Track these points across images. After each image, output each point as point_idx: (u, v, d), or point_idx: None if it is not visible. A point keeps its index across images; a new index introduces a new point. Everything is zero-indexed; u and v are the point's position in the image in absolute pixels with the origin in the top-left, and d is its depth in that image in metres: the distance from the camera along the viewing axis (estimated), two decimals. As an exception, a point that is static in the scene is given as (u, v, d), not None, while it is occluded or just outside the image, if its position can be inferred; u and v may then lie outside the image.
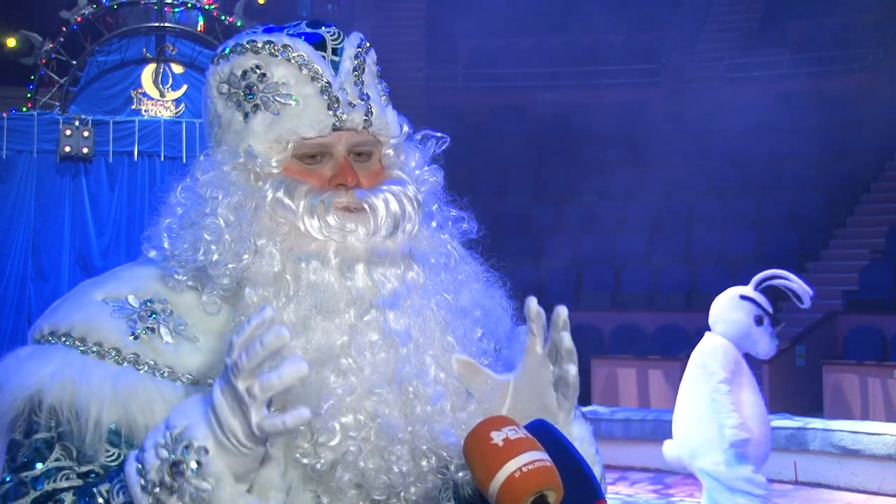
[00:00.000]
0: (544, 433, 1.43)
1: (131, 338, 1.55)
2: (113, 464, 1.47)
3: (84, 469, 1.47)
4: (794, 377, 11.78)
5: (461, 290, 1.67)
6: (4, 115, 12.94)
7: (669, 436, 6.51)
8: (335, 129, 1.61)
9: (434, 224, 1.71)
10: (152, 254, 1.65)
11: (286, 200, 1.58)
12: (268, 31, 1.66)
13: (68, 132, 12.75)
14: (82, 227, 13.03)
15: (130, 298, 1.60)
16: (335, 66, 1.63)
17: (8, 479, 1.50)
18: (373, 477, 1.49)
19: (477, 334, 1.64)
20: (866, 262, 14.60)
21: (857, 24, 18.76)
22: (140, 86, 13.40)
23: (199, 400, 1.38)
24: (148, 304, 1.60)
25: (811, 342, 12.54)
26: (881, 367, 11.45)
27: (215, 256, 1.57)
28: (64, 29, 13.39)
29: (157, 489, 1.33)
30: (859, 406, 11.17)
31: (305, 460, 1.48)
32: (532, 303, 1.56)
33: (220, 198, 1.60)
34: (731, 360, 6.19)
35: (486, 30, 20.31)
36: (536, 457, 1.35)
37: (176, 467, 1.33)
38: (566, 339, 1.53)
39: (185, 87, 13.43)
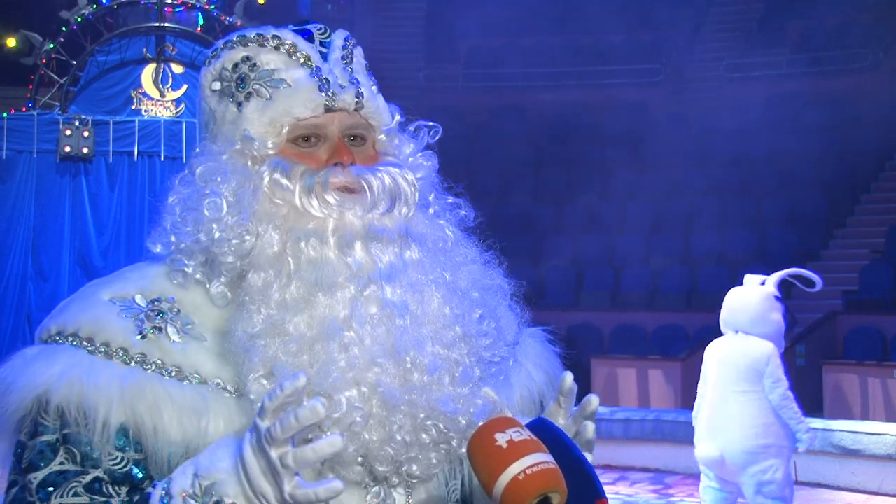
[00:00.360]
0: (545, 432, 1.43)
1: (139, 337, 1.55)
2: (117, 468, 1.47)
3: (89, 478, 1.46)
4: (794, 377, 11.72)
5: (459, 271, 1.67)
6: (4, 115, 12.95)
7: (670, 436, 6.53)
8: (328, 109, 1.63)
9: (431, 211, 1.72)
10: (158, 249, 1.66)
11: (283, 181, 1.59)
12: (256, 28, 1.69)
13: (68, 132, 12.76)
14: (82, 227, 13.03)
15: (137, 298, 1.60)
16: (324, 56, 1.66)
17: (16, 481, 1.49)
18: (376, 448, 1.49)
19: (476, 315, 1.64)
20: (866, 262, 14.61)
21: (857, 24, 18.77)
22: (140, 86, 13.40)
23: (228, 451, 1.39)
24: (155, 303, 1.60)
25: (811, 342, 12.55)
26: (881, 367, 11.46)
27: (217, 234, 1.57)
28: (64, 29, 13.40)
29: None
30: (859, 406, 11.18)
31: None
32: (568, 378, 1.58)
33: (219, 179, 1.61)
34: (781, 363, 6.27)
35: (487, 30, 20.32)
36: (541, 459, 1.35)
37: None
38: (590, 429, 1.55)
39: (185, 87, 13.43)
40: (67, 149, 12.76)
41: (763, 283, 6.45)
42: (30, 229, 12.87)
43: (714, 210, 16.42)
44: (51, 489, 1.45)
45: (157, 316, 1.58)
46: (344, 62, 1.67)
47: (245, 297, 1.55)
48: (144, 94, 13.37)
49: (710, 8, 21.49)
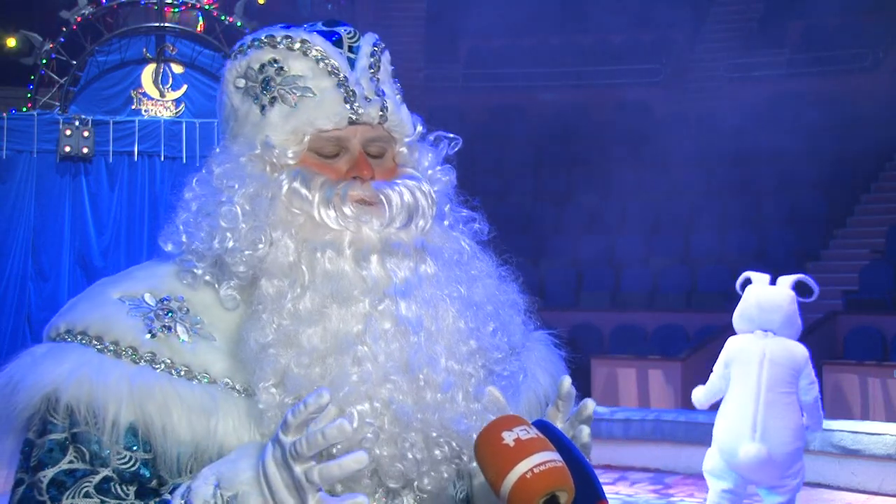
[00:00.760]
0: (547, 433, 1.43)
1: (148, 336, 1.55)
2: (125, 468, 1.47)
3: (99, 478, 1.46)
4: (794, 377, 11.77)
5: (474, 284, 1.67)
6: (4, 115, 12.94)
7: (670, 436, 6.53)
8: (351, 122, 1.62)
9: (446, 223, 1.72)
10: (169, 247, 1.65)
11: (303, 190, 1.59)
12: (285, 27, 1.67)
13: (68, 132, 12.75)
14: (82, 227, 13.03)
15: (147, 297, 1.60)
16: (352, 63, 1.65)
17: (23, 480, 1.49)
18: (387, 464, 1.49)
19: (489, 328, 1.65)
20: (866, 262, 14.61)
21: (857, 24, 18.75)
22: (140, 86, 13.40)
23: (250, 463, 1.40)
24: (164, 302, 1.60)
25: (811, 342, 12.48)
26: (881, 367, 11.46)
27: (231, 244, 1.57)
28: (64, 29, 13.39)
29: None
30: (859, 406, 11.18)
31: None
32: (566, 382, 1.58)
33: (237, 187, 1.60)
34: None
35: (487, 30, 20.30)
36: (548, 457, 1.35)
37: None
38: (584, 433, 1.55)
39: (185, 87, 13.43)
40: (67, 149, 12.75)
41: (773, 283, 6.51)
42: (30, 229, 12.86)
43: (714, 210, 16.41)
44: (61, 488, 1.45)
45: (166, 315, 1.58)
46: (371, 71, 1.66)
47: (258, 306, 1.55)
48: (144, 94, 13.36)
49: (711, 8, 21.48)
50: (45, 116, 12.97)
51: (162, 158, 13.07)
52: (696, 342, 12.65)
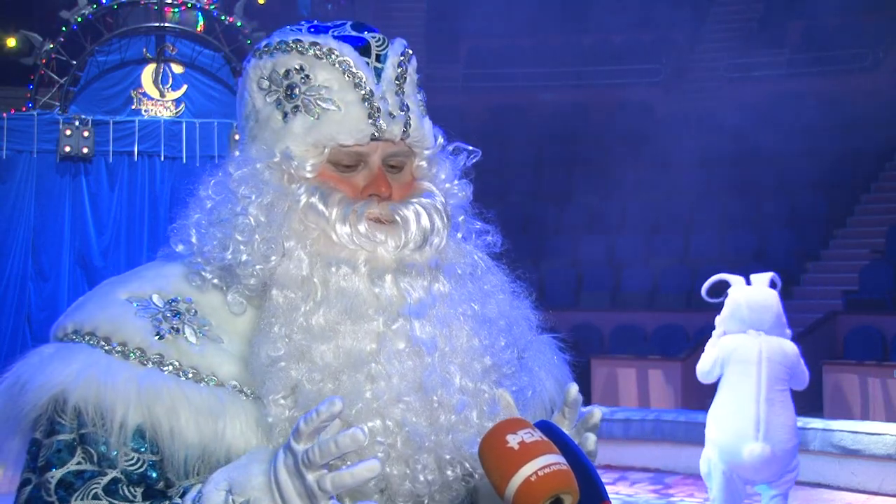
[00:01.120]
0: (550, 435, 1.43)
1: (156, 338, 1.55)
2: (132, 469, 1.47)
3: (107, 479, 1.46)
4: (794, 377, 11.77)
5: (487, 300, 1.67)
6: (4, 115, 12.94)
7: (670, 436, 6.56)
8: (373, 138, 1.61)
9: (460, 235, 1.71)
10: (179, 248, 1.64)
11: (320, 206, 1.58)
12: (313, 30, 1.65)
13: (68, 132, 12.75)
14: (82, 227, 13.02)
15: (155, 298, 1.60)
16: (378, 74, 1.63)
17: (30, 479, 1.49)
18: (397, 483, 1.49)
19: (501, 343, 1.64)
20: (866, 262, 14.60)
21: (857, 24, 18.75)
22: (140, 86, 13.39)
23: (262, 469, 1.40)
24: (172, 303, 1.59)
25: (811, 342, 12.53)
26: (881, 367, 11.45)
27: (244, 257, 1.57)
28: (64, 29, 13.38)
29: None
30: (859, 406, 11.17)
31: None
32: (573, 389, 1.58)
33: (253, 197, 1.59)
34: None
35: (487, 30, 20.31)
36: (553, 460, 1.35)
37: None
38: (590, 441, 1.57)
39: (185, 87, 13.42)
40: (67, 149, 12.74)
41: (749, 283, 6.63)
42: (30, 229, 12.85)
43: (714, 210, 16.41)
44: (69, 489, 1.45)
45: (174, 317, 1.58)
46: (397, 84, 1.64)
47: (270, 318, 1.55)
48: (144, 94, 13.35)
49: (711, 8, 21.49)
50: (45, 116, 12.96)
51: (162, 158, 13.07)
52: (696, 342, 12.62)
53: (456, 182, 1.73)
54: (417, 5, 22.41)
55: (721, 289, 6.75)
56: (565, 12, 20.80)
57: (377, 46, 1.64)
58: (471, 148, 1.76)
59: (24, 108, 13.37)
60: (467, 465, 1.52)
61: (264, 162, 1.62)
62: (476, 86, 20.69)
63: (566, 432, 1.55)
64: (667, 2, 19.69)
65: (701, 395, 9.13)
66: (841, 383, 11.44)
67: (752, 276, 6.66)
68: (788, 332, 6.66)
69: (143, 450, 1.48)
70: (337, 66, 1.61)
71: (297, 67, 1.61)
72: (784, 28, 20.00)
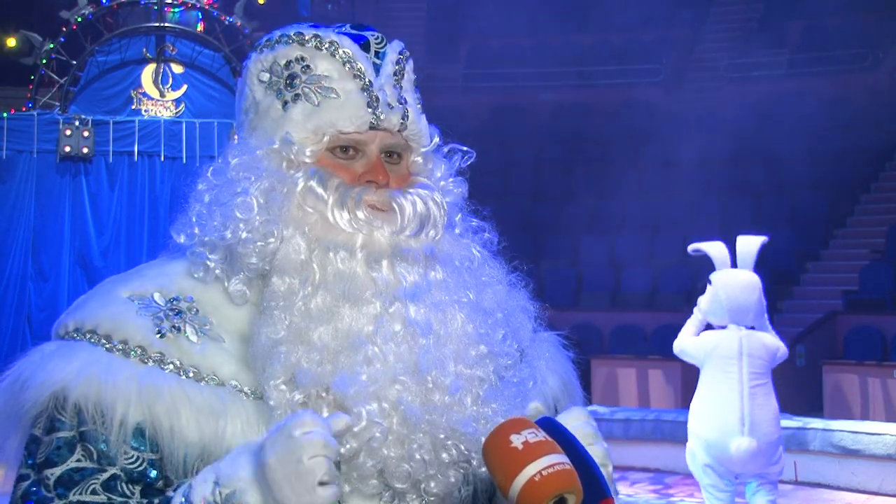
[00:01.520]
0: (553, 432, 1.43)
1: (157, 336, 1.55)
2: (132, 467, 1.47)
3: (106, 476, 1.46)
4: (794, 377, 11.77)
5: (484, 290, 1.69)
6: (4, 115, 12.94)
7: (670, 436, 6.59)
8: (372, 127, 1.64)
9: (457, 231, 1.74)
10: (182, 239, 1.66)
11: (319, 190, 1.60)
12: (314, 27, 1.68)
13: (68, 132, 12.75)
14: (82, 227, 13.02)
15: (156, 296, 1.61)
16: (377, 68, 1.67)
17: (28, 475, 1.49)
18: (394, 465, 1.50)
19: (499, 335, 1.66)
20: (866, 262, 14.60)
21: (857, 24, 18.75)
22: (140, 86, 13.39)
23: (248, 459, 1.41)
24: (174, 302, 1.60)
25: (811, 342, 12.54)
26: (881, 367, 11.45)
27: (244, 234, 1.58)
28: (64, 29, 13.39)
29: None
30: (859, 406, 11.18)
31: None
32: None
33: (253, 179, 1.62)
34: None
35: (487, 30, 20.31)
36: (556, 460, 1.36)
37: None
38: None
39: (185, 87, 13.42)
40: (67, 149, 12.74)
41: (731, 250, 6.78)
42: (30, 229, 12.86)
43: (714, 210, 16.41)
44: (68, 485, 1.45)
45: (175, 315, 1.58)
46: (395, 79, 1.68)
47: (271, 303, 1.56)
48: (144, 94, 13.36)
49: (711, 8, 21.48)
50: (45, 116, 12.96)
51: (162, 158, 13.07)
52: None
53: (451, 180, 1.76)
54: (418, 5, 22.41)
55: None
56: (565, 12, 20.79)
57: (376, 44, 1.68)
58: (465, 149, 1.79)
59: (24, 108, 13.37)
60: (462, 448, 1.53)
61: (264, 149, 1.64)
62: (476, 86, 20.69)
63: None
64: (667, 2, 19.70)
65: (701, 395, 9.12)
66: (841, 383, 11.44)
67: (740, 238, 6.86)
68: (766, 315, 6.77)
69: (142, 448, 1.48)
70: (337, 57, 1.64)
71: (298, 57, 1.65)
72: (784, 28, 20.00)
